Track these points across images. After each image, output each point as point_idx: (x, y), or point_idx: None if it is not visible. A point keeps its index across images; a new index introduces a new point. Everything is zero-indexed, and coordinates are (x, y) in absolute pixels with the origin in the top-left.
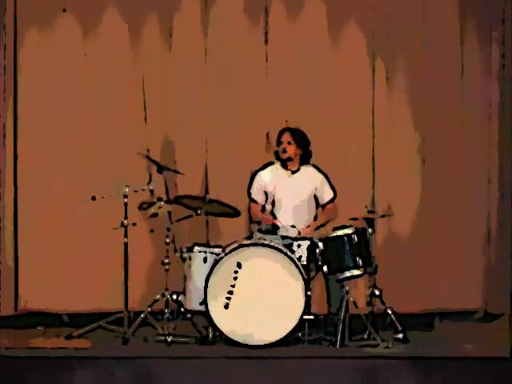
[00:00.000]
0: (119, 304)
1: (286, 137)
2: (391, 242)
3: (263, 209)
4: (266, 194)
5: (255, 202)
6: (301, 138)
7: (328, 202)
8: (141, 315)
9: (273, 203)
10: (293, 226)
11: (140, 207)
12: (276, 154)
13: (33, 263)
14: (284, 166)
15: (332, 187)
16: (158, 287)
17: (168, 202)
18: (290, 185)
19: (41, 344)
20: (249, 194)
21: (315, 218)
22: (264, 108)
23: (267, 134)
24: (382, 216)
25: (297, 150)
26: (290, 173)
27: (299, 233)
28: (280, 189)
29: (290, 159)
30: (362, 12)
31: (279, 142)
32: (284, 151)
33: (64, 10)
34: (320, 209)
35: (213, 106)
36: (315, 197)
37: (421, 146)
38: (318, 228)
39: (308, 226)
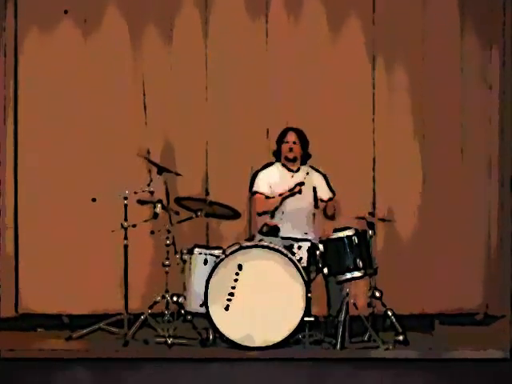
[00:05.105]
0: (119, 306)
1: (292, 137)
2: (392, 243)
3: (272, 215)
4: (270, 191)
5: (260, 193)
6: (304, 139)
7: (327, 201)
8: (141, 317)
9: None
10: (305, 233)
11: (140, 202)
12: (275, 154)
13: (33, 265)
14: (285, 166)
15: (331, 188)
16: (159, 289)
17: (163, 207)
18: (292, 184)
19: (41, 346)
20: (252, 190)
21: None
22: (264, 109)
23: (267, 131)
24: (381, 220)
25: (300, 150)
26: (291, 173)
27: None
28: (282, 187)
29: (295, 159)
30: (362, 11)
31: (283, 142)
32: (290, 150)
33: (65, 12)
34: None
35: (213, 108)
36: (315, 197)
37: (421, 148)
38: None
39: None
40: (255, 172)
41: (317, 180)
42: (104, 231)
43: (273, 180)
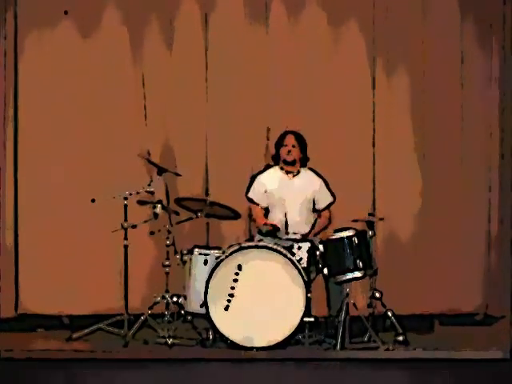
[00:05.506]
0: (119, 306)
1: (291, 140)
2: (392, 244)
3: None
4: (266, 196)
5: (255, 203)
6: (303, 142)
7: (325, 208)
8: (141, 317)
9: (273, 205)
10: (294, 233)
11: (139, 202)
12: (274, 158)
13: (33, 265)
14: (284, 169)
15: (331, 192)
16: (159, 289)
17: (163, 208)
18: (291, 187)
19: (41, 346)
20: (247, 196)
21: (314, 223)
22: (264, 110)
23: (268, 130)
24: (381, 219)
25: (299, 153)
26: (290, 176)
27: (302, 236)
28: (281, 191)
29: (294, 162)
30: (362, 14)
31: (281, 145)
32: (289, 153)
33: (65, 13)
34: (317, 216)
35: (213, 108)
36: (313, 201)
37: (421, 149)
38: (315, 235)
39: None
40: (253, 175)
41: (317, 185)
42: (104, 231)
43: (270, 185)
